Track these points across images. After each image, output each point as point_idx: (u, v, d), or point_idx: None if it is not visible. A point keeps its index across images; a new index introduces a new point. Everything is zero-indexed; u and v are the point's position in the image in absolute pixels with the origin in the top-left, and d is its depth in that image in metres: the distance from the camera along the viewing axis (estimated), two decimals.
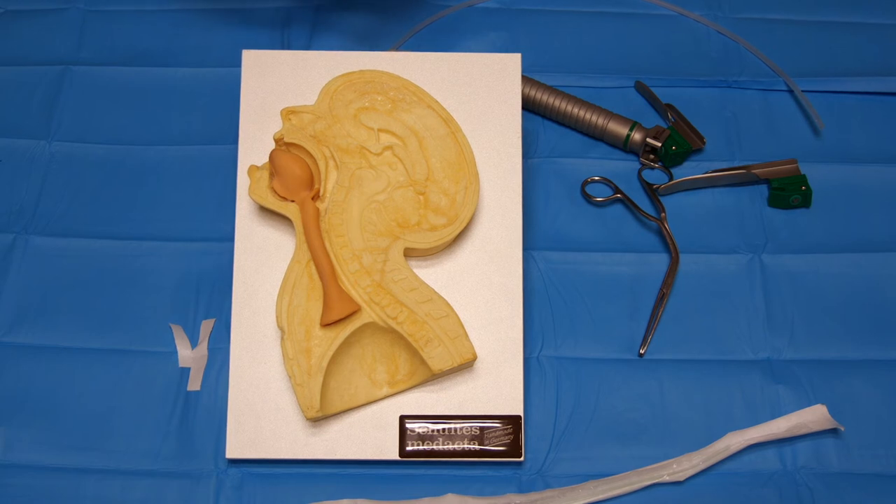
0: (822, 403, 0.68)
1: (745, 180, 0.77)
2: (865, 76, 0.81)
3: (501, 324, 0.67)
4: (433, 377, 0.66)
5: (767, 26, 0.85)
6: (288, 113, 0.68)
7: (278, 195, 0.67)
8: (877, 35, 0.84)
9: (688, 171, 0.78)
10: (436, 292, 0.65)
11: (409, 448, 0.66)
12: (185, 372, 0.70)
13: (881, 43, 0.84)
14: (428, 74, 0.70)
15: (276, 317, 0.65)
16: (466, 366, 0.66)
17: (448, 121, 0.68)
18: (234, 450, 0.66)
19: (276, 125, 0.69)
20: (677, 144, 0.77)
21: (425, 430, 0.66)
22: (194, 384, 0.70)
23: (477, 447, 0.66)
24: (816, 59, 0.83)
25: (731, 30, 0.84)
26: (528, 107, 0.80)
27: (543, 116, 0.80)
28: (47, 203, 0.76)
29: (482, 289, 0.68)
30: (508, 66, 0.71)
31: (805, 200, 0.76)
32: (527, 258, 0.74)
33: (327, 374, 0.64)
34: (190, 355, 0.71)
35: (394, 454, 0.66)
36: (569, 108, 0.78)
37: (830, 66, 0.83)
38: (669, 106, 0.79)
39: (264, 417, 0.66)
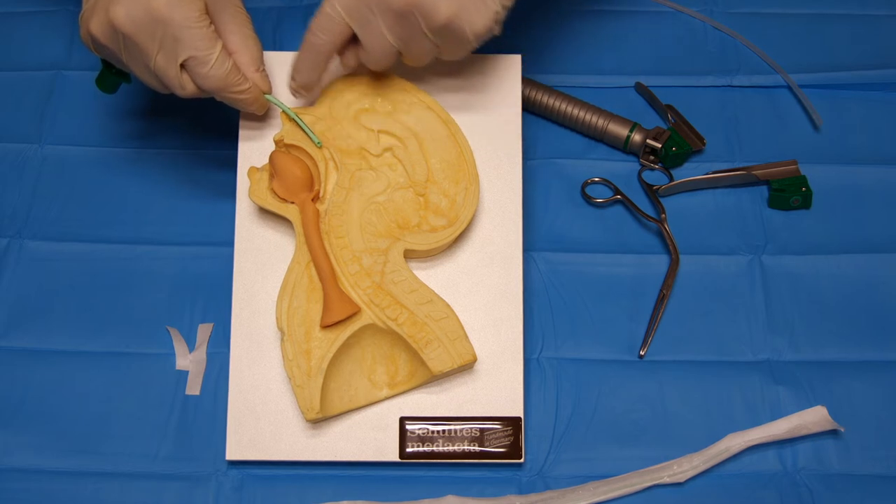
0: (822, 404, 0.68)
1: (746, 181, 0.77)
2: (862, 69, 0.81)
3: (501, 325, 0.67)
4: (433, 379, 0.66)
5: (763, 20, 0.85)
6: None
7: (278, 197, 0.66)
8: (872, 27, 0.84)
9: (688, 173, 0.78)
10: (436, 294, 0.65)
11: (409, 449, 0.66)
12: (183, 373, 0.70)
13: (877, 34, 0.84)
14: (428, 75, 0.70)
15: (276, 318, 0.65)
16: (466, 367, 0.66)
17: (448, 122, 0.68)
18: (233, 451, 0.65)
19: (275, 126, 0.69)
20: (677, 145, 0.77)
21: (425, 431, 0.66)
22: (193, 389, 0.70)
23: (477, 448, 0.66)
24: (813, 52, 0.83)
25: (728, 25, 0.84)
26: (528, 108, 0.80)
27: (543, 118, 0.80)
28: (40, 207, 0.76)
29: (482, 290, 0.68)
30: (508, 67, 0.70)
31: (805, 201, 0.76)
32: (527, 259, 0.74)
33: (327, 375, 0.64)
34: (188, 360, 0.70)
35: (394, 456, 0.65)
36: (569, 109, 0.78)
37: (827, 59, 0.83)
38: (669, 107, 0.79)
39: (264, 419, 0.66)
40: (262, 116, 0.69)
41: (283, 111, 0.67)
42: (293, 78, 0.66)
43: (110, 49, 0.63)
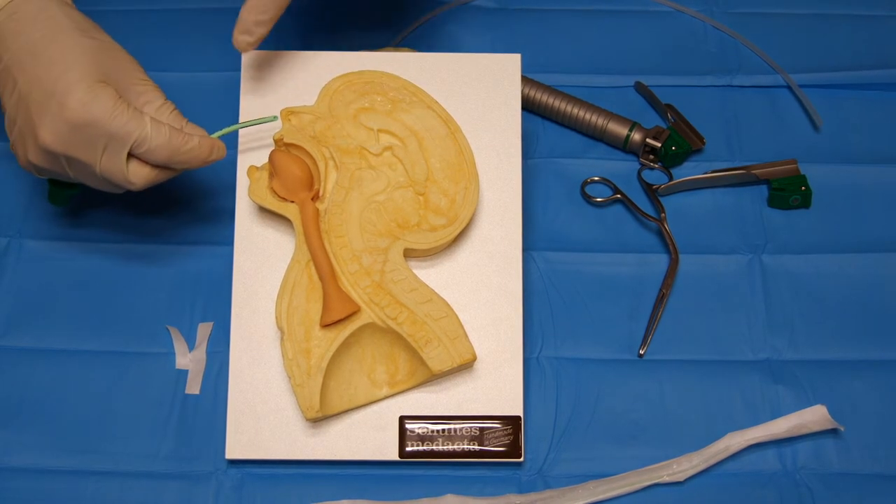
0: (822, 404, 0.68)
1: (745, 181, 0.77)
2: (862, 69, 0.81)
3: (501, 324, 0.67)
4: (433, 378, 0.66)
5: (763, 20, 0.85)
6: (287, 113, 0.68)
7: (278, 196, 0.66)
8: (872, 27, 0.84)
9: (687, 172, 0.78)
10: (435, 293, 0.65)
11: (408, 449, 0.65)
12: (183, 372, 0.70)
13: (877, 34, 0.84)
14: (427, 75, 0.70)
15: (276, 317, 0.65)
16: (466, 366, 0.66)
17: (448, 121, 0.68)
18: (233, 450, 0.65)
19: (275, 126, 0.69)
20: (677, 145, 0.77)
21: (425, 430, 0.66)
22: (193, 388, 0.70)
23: (477, 448, 0.66)
24: (813, 52, 0.83)
25: (728, 25, 0.84)
26: (528, 107, 0.80)
27: (543, 117, 0.80)
28: (40, 206, 0.76)
29: (482, 289, 0.68)
30: (508, 67, 0.70)
31: (805, 201, 0.76)
32: (526, 258, 0.74)
33: (327, 374, 0.64)
34: (188, 359, 0.71)
35: (393, 455, 0.65)
36: (568, 108, 0.78)
37: (827, 59, 0.83)
38: (669, 106, 0.79)
39: (264, 418, 0.66)
40: (260, 116, 0.69)
41: (237, 127, 0.67)
42: (254, 20, 0.64)
43: (55, 171, 0.63)
